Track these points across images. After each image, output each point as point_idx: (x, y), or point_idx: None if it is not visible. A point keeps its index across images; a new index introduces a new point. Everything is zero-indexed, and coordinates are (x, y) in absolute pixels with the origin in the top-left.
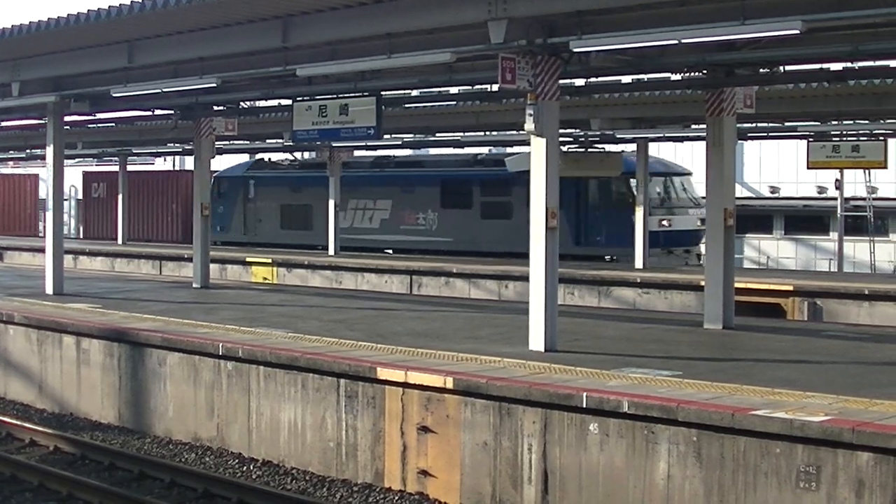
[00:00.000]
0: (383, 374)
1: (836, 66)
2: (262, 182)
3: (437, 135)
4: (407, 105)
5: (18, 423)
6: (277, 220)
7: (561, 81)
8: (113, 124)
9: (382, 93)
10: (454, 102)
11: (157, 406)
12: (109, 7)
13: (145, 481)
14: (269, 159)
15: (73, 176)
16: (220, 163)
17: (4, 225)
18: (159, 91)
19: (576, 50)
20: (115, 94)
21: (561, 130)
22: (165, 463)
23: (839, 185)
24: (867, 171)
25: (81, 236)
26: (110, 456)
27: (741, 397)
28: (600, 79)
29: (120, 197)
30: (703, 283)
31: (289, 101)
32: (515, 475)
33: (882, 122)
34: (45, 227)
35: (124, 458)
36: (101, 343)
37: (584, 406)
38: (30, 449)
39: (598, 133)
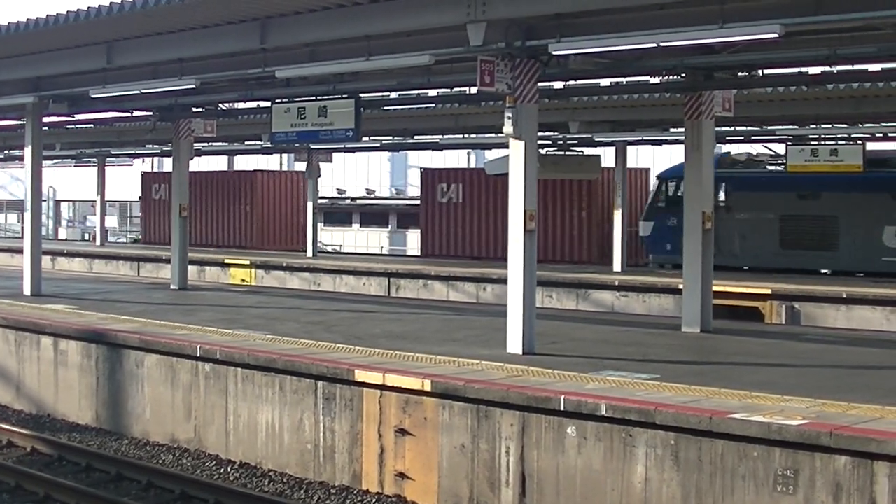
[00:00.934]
0: (361, 376)
1: (814, 70)
2: (747, 184)
3: (416, 137)
4: (386, 107)
5: None
6: (774, 237)
7: (540, 84)
8: (91, 125)
9: (361, 95)
10: (433, 105)
11: (135, 407)
12: (88, 8)
13: (122, 483)
14: (741, 154)
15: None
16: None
17: (266, 238)
18: (138, 92)
19: (555, 53)
20: (93, 95)
21: (539, 133)
22: (143, 464)
23: None
24: None
25: (420, 253)
26: (88, 457)
27: (719, 400)
28: (579, 82)
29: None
30: (681, 287)
31: (268, 103)
32: (493, 478)
33: (860, 125)
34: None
35: (102, 459)
36: (78, 344)
37: (562, 409)
38: (7, 450)
39: (576, 136)
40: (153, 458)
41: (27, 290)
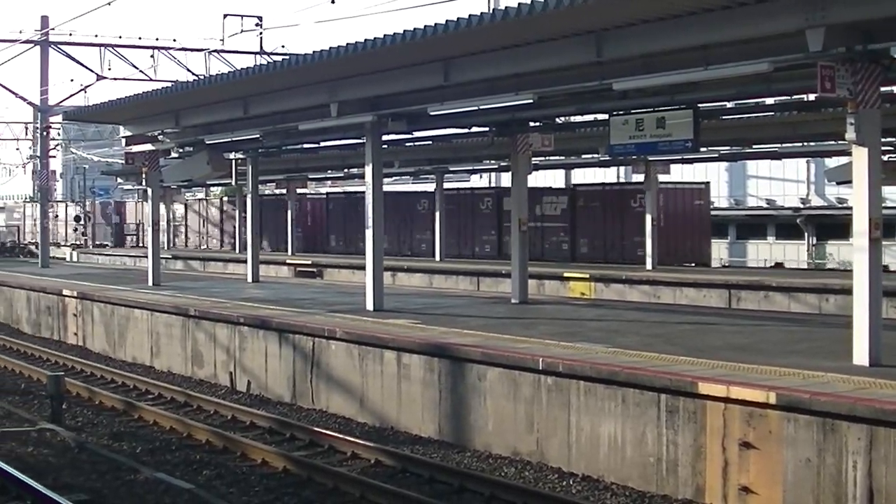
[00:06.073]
0: (704, 388)
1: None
2: None
3: (753, 147)
4: (723, 117)
5: (340, 436)
6: None
7: (882, 88)
8: (429, 142)
9: (698, 105)
10: (771, 113)
11: (477, 420)
12: (424, 27)
13: (464, 494)
14: None
15: None
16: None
17: None
18: (475, 108)
19: None
20: (431, 113)
21: (882, 139)
22: (485, 477)
23: None
24: None
25: None
26: (430, 469)
27: None
28: None
29: None
30: None
31: (603, 116)
32: (839, 493)
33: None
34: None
35: (444, 471)
36: (421, 358)
37: None
38: (351, 462)
39: None
40: (495, 470)
41: (370, 306)
